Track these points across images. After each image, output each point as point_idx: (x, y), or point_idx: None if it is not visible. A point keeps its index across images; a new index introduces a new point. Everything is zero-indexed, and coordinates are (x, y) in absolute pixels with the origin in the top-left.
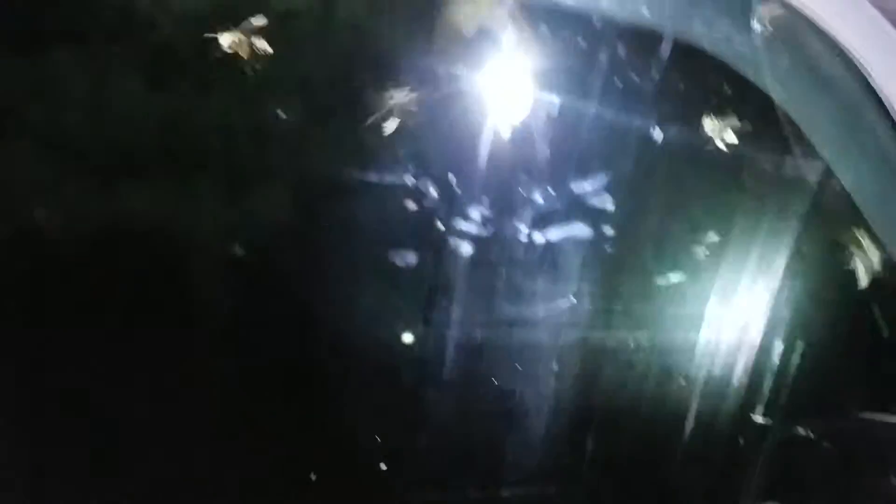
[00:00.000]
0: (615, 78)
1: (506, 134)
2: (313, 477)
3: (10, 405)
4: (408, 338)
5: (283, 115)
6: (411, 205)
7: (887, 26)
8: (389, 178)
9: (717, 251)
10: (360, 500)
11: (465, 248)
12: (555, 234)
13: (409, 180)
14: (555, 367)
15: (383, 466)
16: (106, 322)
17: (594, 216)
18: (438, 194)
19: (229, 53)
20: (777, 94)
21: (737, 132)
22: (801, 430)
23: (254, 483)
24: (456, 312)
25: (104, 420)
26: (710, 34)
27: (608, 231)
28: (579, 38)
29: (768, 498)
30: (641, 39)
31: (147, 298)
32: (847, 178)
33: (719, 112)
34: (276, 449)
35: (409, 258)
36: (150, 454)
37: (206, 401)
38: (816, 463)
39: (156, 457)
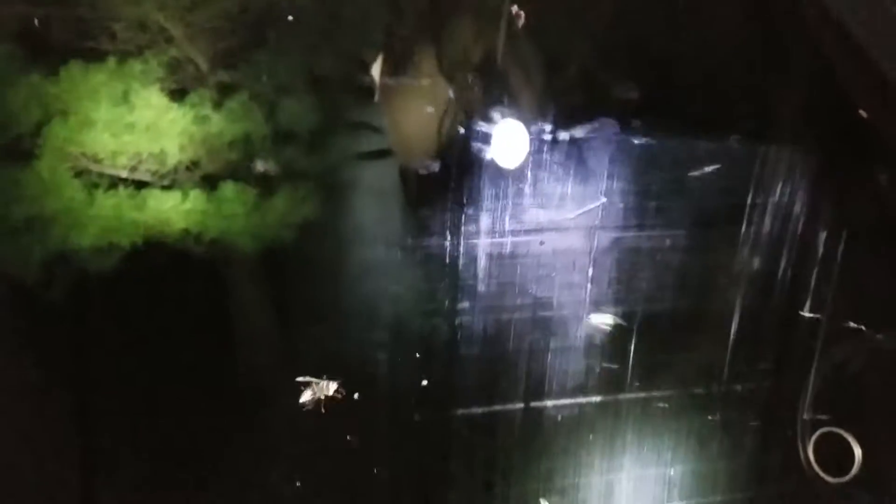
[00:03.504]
0: None
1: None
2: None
3: None
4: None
5: None
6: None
7: None
8: None
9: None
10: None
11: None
12: (581, 130)
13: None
14: (590, 271)
15: (424, 382)
16: None
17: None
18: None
19: None
20: None
21: None
22: (852, 325)
23: None
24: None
25: None
26: None
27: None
28: None
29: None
30: None
31: None
32: None
33: None
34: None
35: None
36: None
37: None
38: (871, 362)
39: None
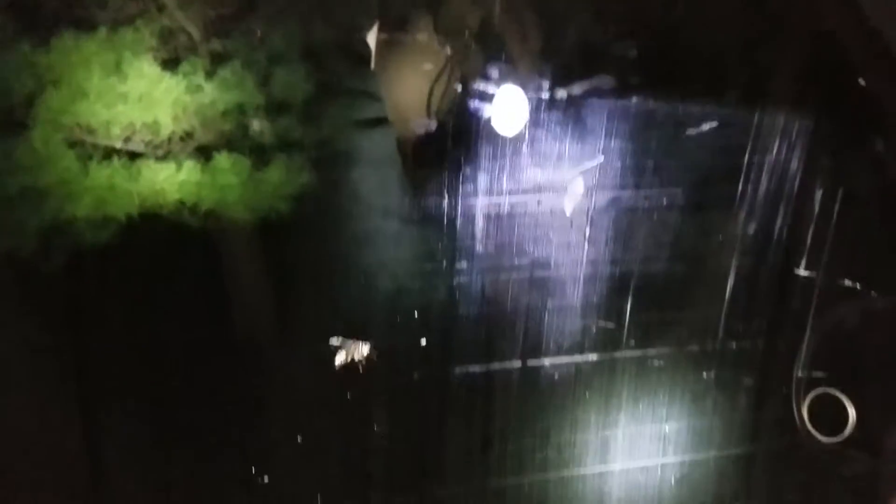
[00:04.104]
0: None
1: None
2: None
3: None
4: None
5: None
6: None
7: None
8: None
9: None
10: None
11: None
12: (578, 89)
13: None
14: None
15: (423, 341)
16: None
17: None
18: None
19: None
20: None
21: None
22: (847, 283)
23: None
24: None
25: None
26: None
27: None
28: None
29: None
30: None
31: None
32: None
33: None
34: None
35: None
36: None
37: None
38: (866, 322)
39: None
